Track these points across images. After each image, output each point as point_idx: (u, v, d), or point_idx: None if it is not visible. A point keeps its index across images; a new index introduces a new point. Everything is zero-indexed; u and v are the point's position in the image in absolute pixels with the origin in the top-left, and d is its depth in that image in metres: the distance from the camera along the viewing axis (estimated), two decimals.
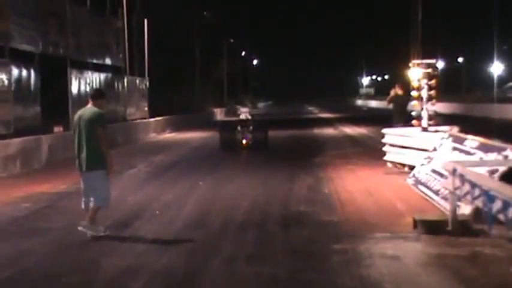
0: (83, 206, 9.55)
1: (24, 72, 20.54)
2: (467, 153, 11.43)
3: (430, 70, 16.13)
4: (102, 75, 27.61)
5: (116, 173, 16.01)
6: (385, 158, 16.87)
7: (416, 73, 16.12)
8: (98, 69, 27.25)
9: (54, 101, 22.76)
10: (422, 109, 16.14)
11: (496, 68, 65.29)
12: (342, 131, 32.95)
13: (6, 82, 18.82)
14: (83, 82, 25.19)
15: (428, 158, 13.34)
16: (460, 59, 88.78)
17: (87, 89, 25.54)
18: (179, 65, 48.45)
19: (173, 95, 44.33)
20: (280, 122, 39.75)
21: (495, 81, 55.57)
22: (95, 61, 27.10)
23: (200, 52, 55.40)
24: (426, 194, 11.81)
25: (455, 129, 15.17)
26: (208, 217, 10.78)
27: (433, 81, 16.14)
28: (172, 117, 38.00)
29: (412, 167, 15.29)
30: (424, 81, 16.08)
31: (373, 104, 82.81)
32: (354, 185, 13.81)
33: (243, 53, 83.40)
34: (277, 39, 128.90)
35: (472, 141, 11.74)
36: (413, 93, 16.26)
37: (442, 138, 13.55)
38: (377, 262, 7.72)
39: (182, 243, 9.01)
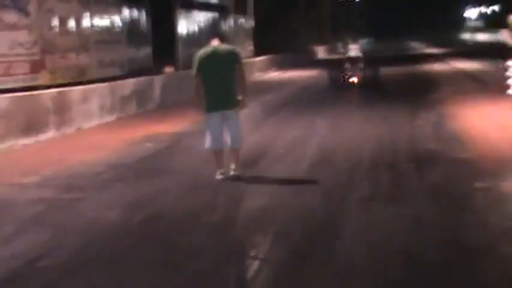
0: (218, 146, 9.23)
1: (135, 13, 20.58)
2: None
3: None
4: (209, 15, 27.45)
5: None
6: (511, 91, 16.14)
7: None
8: (204, 8, 27.10)
9: (163, 41, 22.80)
10: None
11: None
12: (453, 66, 31.80)
13: (119, 23, 18.90)
14: (190, 22, 25.13)
15: None
16: None
17: (195, 29, 25.53)
18: (283, 4, 47.80)
19: (277, 34, 43.91)
20: (386, 59, 38.76)
21: None
22: (201, 0, 26.93)
23: None
24: None
25: None
26: (336, 156, 10.49)
27: None
28: (276, 56, 37.72)
29: None
30: None
31: (481, 37, 79.97)
32: (481, 121, 13.20)
33: None
34: None
35: None
36: None
37: None
38: None
39: (315, 183, 8.73)
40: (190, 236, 6.77)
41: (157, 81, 19.77)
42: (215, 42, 9.22)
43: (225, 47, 9.21)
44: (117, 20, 18.88)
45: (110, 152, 11.95)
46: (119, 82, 17.37)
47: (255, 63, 32.88)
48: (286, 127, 13.92)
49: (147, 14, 21.16)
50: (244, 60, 30.71)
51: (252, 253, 6.21)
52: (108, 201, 8.35)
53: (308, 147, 11.48)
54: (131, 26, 19.96)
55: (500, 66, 20.06)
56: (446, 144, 11.01)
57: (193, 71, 9.20)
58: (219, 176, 9.14)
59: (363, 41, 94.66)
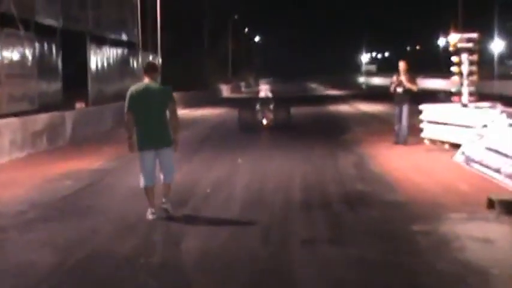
0: (150, 184, 9.02)
1: (46, 47, 20.08)
2: None
3: (471, 44, 15.69)
4: (119, 51, 27.12)
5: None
6: (422, 134, 16.55)
7: (455, 47, 15.70)
8: (114, 44, 26.77)
9: (73, 76, 22.33)
10: (462, 85, 15.74)
11: (497, 45, 63.14)
12: (357, 108, 32.53)
13: (30, 57, 18.37)
14: (101, 57, 24.73)
15: (479, 135, 12.95)
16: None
17: (105, 65, 25.14)
18: (187, 42, 47.86)
19: (182, 72, 43.82)
20: (290, 100, 39.20)
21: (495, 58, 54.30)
22: (112, 36, 26.60)
23: (208, 29, 54.79)
24: (484, 173, 11.45)
25: (499, 106, 14.77)
26: (265, 196, 10.39)
27: (474, 56, 15.71)
28: (184, 94, 37.55)
29: (452, 144, 14.99)
30: (464, 56, 15.66)
31: (376, 81, 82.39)
32: (400, 163, 13.44)
33: (246, 30, 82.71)
34: (277, 18, 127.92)
35: None
36: (454, 69, 15.83)
37: (492, 115, 13.18)
38: (469, 245, 7.32)
39: (251, 224, 8.57)
40: (132, 281, 6.49)
41: (69, 117, 19.25)
42: (147, 79, 9.00)
43: (155, 84, 9.05)
44: (28, 53, 18.32)
45: (28, 189, 11.45)
46: (31, 117, 16.80)
47: None
48: (208, 167, 13.71)
49: (57, 48, 20.65)
50: None
51: None
52: (36, 243, 7.92)
53: (235, 186, 11.33)
54: (42, 60, 19.43)
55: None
56: (372, 185, 11.09)
57: (125, 107, 8.94)
58: (150, 216, 8.89)
59: (265, 80, 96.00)
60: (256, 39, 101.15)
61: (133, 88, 8.97)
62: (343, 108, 33.16)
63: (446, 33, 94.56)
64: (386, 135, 18.58)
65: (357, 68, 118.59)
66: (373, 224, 8.44)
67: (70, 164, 14.40)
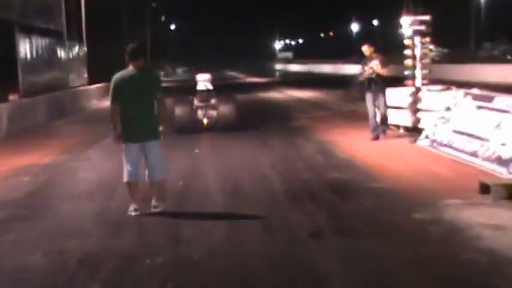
0: (147, 179, 8.55)
1: None
2: (505, 111, 10.92)
3: (423, 27, 15.63)
4: (47, 40, 26.11)
5: (100, 143, 15.21)
6: None
7: (408, 30, 15.61)
8: (42, 34, 25.75)
9: (2, 67, 21.34)
10: (415, 68, 15.67)
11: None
12: (289, 95, 32.39)
13: None
14: (30, 47, 23.73)
15: (443, 118, 12.91)
16: (375, 22, 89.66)
17: (34, 55, 24.19)
18: (107, 31, 46.68)
19: (104, 61, 42.74)
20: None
21: None
22: (40, 25, 25.56)
23: (126, 17, 53.70)
24: (456, 156, 11.39)
25: (454, 89, 14.75)
26: (245, 188, 10.00)
27: (426, 39, 15.66)
28: (109, 84, 36.73)
29: (407, 128, 14.98)
30: (417, 39, 15.60)
31: (294, 67, 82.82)
32: (364, 149, 13.28)
33: (163, 18, 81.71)
34: (191, 6, 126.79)
35: (507, 99, 11.25)
36: (406, 52, 15.75)
37: (455, 98, 13.14)
38: (482, 232, 7.10)
39: (248, 218, 8.20)
40: (143, 284, 6.05)
41: (4, 109, 18.35)
42: (131, 66, 8.44)
43: (142, 71, 8.45)
44: None
45: None
46: None
47: (92, 91, 31.64)
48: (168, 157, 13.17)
49: None
50: (81, 89, 29.70)
51: None
52: (22, 245, 7.35)
53: (207, 178, 10.92)
54: None
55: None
56: (349, 173, 10.87)
57: (110, 97, 8.39)
58: (132, 212, 8.40)
59: (181, 69, 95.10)
60: (172, 27, 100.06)
61: (118, 76, 8.42)
62: (275, 95, 32.96)
63: (358, 19, 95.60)
64: (332, 121, 18.54)
65: (272, 56, 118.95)
66: (372, 214, 8.18)
67: (18, 159, 13.61)
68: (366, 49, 14.84)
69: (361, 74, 14.82)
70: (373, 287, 5.74)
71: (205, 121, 17.47)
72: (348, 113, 20.90)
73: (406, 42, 15.71)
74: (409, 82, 15.79)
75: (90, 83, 33.31)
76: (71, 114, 24.63)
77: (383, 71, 14.41)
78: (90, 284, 6.06)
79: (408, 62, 15.73)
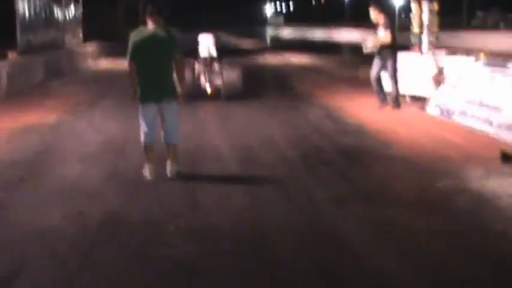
0: (163, 141, 8.41)
1: None
2: None
3: None
4: None
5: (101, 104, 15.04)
6: None
7: None
8: None
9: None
10: (422, 33, 15.46)
11: None
12: (286, 60, 32.00)
13: None
14: (27, 5, 23.30)
15: (453, 86, 12.76)
16: None
17: (32, 13, 23.79)
18: None
19: (97, 22, 42.20)
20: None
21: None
22: None
23: None
24: (469, 125, 11.28)
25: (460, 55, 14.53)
26: (258, 153, 9.84)
27: (434, 5, 15.44)
28: (103, 44, 36.30)
29: (414, 97, 14.79)
30: (424, 5, 15.38)
31: (286, 32, 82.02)
32: (372, 115, 13.08)
33: None
34: None
35: None
36: (413, 17, 15.53)
37: (465, 64, 12.94)
38: None
39: (264, 183, 8.07)
40: (161, 246, 5.93)
41: (3, 67, 18.03)
42: (151, 24, 8.23)
43: (160, 31, 8.22)
44: None
45: None
46: None
47: (87, 51, 31.23)
48: None
49: None
50: (76, 49, 29.30)
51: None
52: (40, 207, 7.19)
53: (216, 142, 10.75)
54: None
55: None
56: (361, 139, 10.75)
57: (128, 55, 8.18)
58: (149, 175, 8.25)
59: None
60: None
61: (137, 34, 8.20)
62: (272, 60, 32.49)
63: None
64: (335, 87, 18.29)
65: (262, 20, 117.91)
66: (392, 182, 8.04)
67: (23, 118, 13.37)
68: (371, 13, 13.93)
69: (365, 47, 14.17)
70: (403, 260, 5.59)
71: (208, 89, 15.95)
72: (350, 78, 20.69)
73: (414, 8, 15.53)
74: (415, 48, 15.61)
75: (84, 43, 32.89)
76: (68, 74, 24.28)
77: (387, 39, 13.61)
78: (117, 247, 5.93)
79: (415, 28, 15.55)
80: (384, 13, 13.98)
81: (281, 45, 48.85)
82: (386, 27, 13.69)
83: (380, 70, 13.81)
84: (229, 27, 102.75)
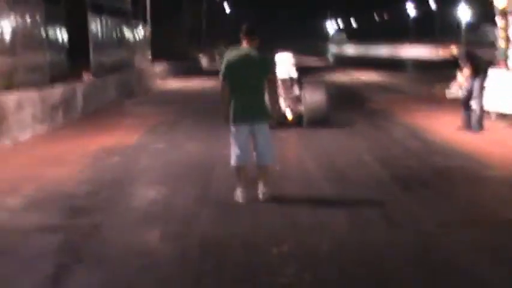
0: (256, 163, 8.17)
1: (51, 14, 18.82)
2: None
3: None
4: (115, 21, 25.87)
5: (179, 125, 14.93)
6: None
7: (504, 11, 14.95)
8: (112, 13, 25.48)
9: (75, 46, 21.11)
10: (508, 48, 14.98)
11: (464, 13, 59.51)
12: (356, 78, 31.63)
13: (40, 25, 17.25)
14: (100, 27, 23.51)
15: None
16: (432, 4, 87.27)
17: (104, 35, 23.99)
18: (166, 11, 46.48)
19: (163, 41, 42.56)
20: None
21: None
22: (108, 4, 25.30)
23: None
24: None
25: None
26: (347, 173, 9.51)
27: None
28: (170, 64, 36.57)
29: (499, 114, 14.28)
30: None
31: (350, 50, 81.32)
32: (458, 134, 12.63)
33: None
34: None
35: None
36: (499, 33, 15.08)
37: None
38: None
39: (361, 206, 7.75)
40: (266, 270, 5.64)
41: (79, 88, 18.15)
42: (245, 44, 8.00)
43: (255, 52, 7.95)
44: (38, 19, 17.14)
45: (79, 167, 10.40)
46: (48, 90, 15.66)
47: (155, 71, 31.42)
48: None
49: (59, 14, 19.45)
50: (145, 69, 29.46)
51: None
52: (137, 228, 7.00)
53: (303, 163, 10.48)
54: (48, 28, 18.19)
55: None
56: (453, 159, 10.35)
57: (221, 75, 7.97)
58: (240, 197, 7.99)
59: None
60: (227, 10, 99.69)
61: (231, 54, 7.99)
62: (342, 78, 32.16)
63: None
64: (411, 105, 17.89)
65: (324, 36, 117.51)
66: (499, 205, 7.64)
67: (101, 139, 13.28)
68: (454, 51, 13.11)
69: (448, 92, 13.79)
70: None
71: (289, 116, 14.09)
72: (424, 96, 20.24)
73: (499, 23, 15.08)
74: (501, 64, 15.13)
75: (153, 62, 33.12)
76: (139, 94, 24.38)
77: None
78: (222, 273, 5.67)
79: (501, 43, 15.09)
80: (471, 63, 12.85)
81: (346, 62, 48.45)
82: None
83: (469, 93, 13.06)
84: (292, 45, 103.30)
